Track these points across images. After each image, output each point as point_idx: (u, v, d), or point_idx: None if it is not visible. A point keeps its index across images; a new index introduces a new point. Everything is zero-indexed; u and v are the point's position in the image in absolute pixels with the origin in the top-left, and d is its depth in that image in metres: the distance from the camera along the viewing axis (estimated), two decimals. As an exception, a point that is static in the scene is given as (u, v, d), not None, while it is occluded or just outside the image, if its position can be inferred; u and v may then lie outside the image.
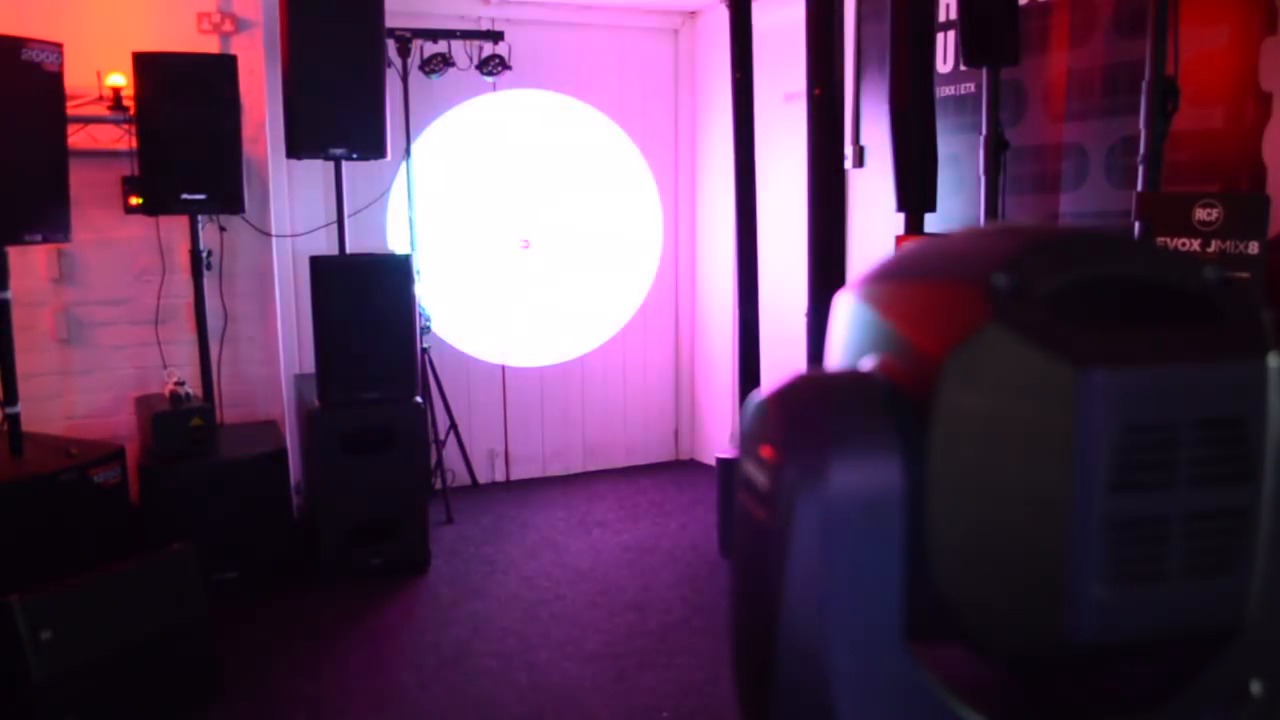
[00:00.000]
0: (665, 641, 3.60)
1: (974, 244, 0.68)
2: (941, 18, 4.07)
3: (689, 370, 6.09)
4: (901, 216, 3.69)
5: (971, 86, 3.96)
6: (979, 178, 3.57)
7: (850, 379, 0.63)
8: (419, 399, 4.29)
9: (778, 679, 0.62)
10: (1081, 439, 0.54)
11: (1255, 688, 0.64)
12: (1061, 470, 0.54)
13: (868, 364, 0.64)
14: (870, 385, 0.62)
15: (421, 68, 4.85)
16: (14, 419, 3.58)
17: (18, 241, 3.50)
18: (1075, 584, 0.55)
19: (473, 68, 4.99)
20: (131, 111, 3.94)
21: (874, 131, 4.44)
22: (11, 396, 3.56)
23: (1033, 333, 0.55)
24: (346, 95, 4.07)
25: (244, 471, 4.01)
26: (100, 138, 4.04)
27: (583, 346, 5.80)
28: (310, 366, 4.53)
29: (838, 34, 3.89)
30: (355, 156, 4.20)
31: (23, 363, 3.69)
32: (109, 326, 4.29)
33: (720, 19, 4.80)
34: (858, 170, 4.58)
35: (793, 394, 0.63)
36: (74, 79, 3.66)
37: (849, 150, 4.50)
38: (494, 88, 5.32)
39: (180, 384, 4.06)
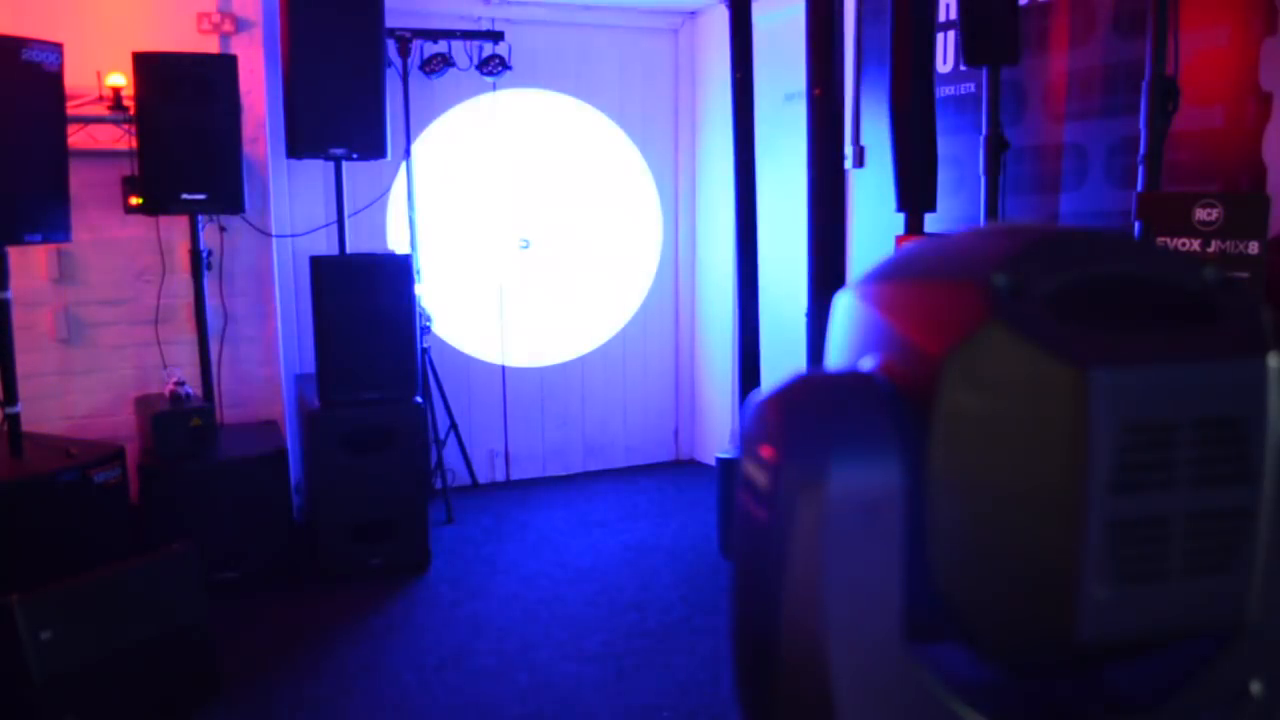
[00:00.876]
0: (665, 641, 3.60)
1: (974, 244, 0.68)
2: (941, 18, 4.07)
3: (689, 370, 6.09)
4: (901, 216, 3.69)
5: (971, 86, 3.96)
6: (979, 178, 3.56)
7: (850, 379, 0.63)
8: (419, 399, 4.29)
9: (778, 679, 0.62)
10: (1081, 439, 0.54)
11: (1255, 688, 0.64)
12: (1062, 470, 0.54)
13: (868, 364, 0.64)
14: (870, 385, 0.62)
15: (421, 68, 4.86)
16: (14, 419, 3.57)
17: (18, 241, 3.50)
18: (1075, 584, 0.55)
19: (473, 68, 4.99)
20: (131, 111, 3.93)
21: (874, 131, 4.44)
22: (11, 396, 3.56)
23: (1033, 332, 0.55)
24: (346, 95, 4.07)
25: (244, 471, 4.01)
26: (100, 138, 4.04)
27: (583, 346, 5.80)
28: (310, 366, 4.53)
29: (838, 34, 3.88)
30: (355, 157, 4.20)
31: (23, 363, 3.69)
32: (109, 326, 4.29)
33: (720, 19, 4.80)
34: (858, 170, 4.58)
35: (793, 394, 0.63)
36: (74, 79, 3.66)
37: (849, 150, 4.49)
38: (494, 88, 5.32)
39: (180, 384, 4.06)
